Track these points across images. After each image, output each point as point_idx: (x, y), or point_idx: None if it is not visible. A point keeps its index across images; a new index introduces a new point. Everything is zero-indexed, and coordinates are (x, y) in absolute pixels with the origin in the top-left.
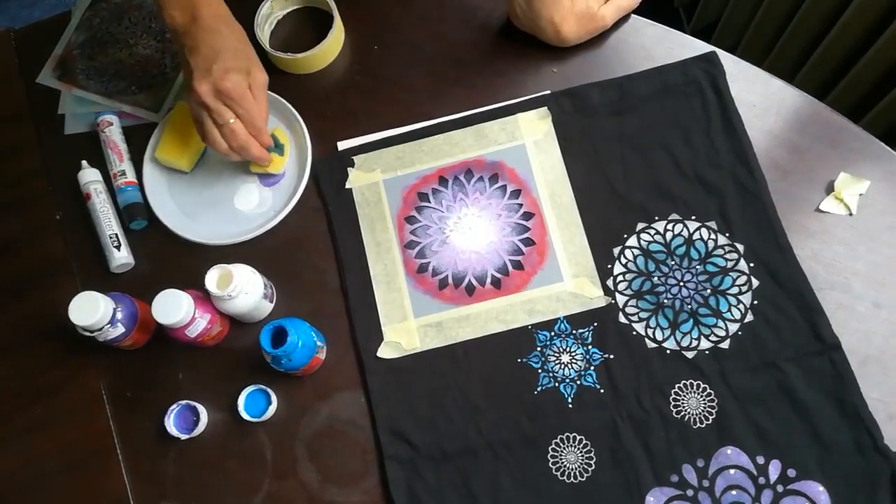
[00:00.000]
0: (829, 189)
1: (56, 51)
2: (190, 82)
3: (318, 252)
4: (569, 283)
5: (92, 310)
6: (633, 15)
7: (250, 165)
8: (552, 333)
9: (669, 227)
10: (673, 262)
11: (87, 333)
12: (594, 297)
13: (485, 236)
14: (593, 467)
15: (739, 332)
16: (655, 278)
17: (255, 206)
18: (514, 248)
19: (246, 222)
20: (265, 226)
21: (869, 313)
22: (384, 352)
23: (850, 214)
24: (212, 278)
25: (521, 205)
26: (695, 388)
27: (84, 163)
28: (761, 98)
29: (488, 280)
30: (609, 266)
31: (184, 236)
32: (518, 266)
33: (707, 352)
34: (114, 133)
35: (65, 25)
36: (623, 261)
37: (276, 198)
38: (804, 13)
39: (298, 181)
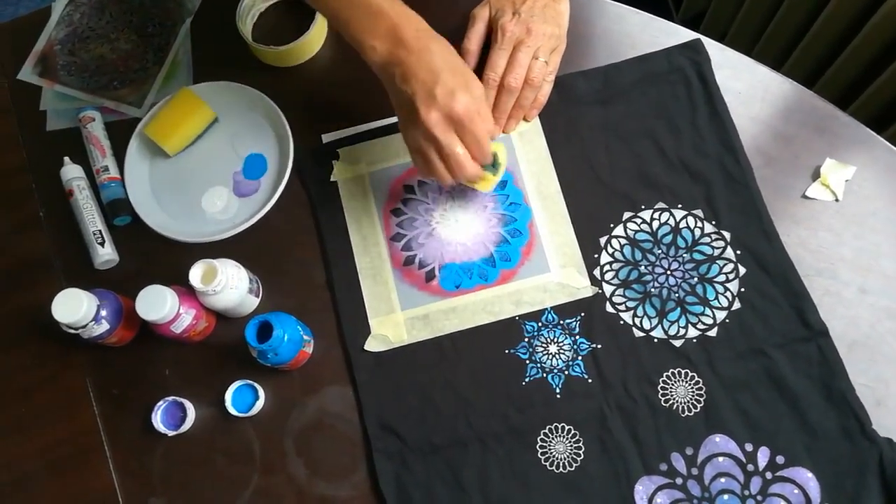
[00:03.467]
0: (816, 175)
1: (37, 47)
2: (414, 114)
3: (303, 246)
4: (556, 273)
5: (75, 307)
6: (618, 3)
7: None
8: (540, 324)
9: (656, 215)
10: (660, 251)
11: (72, 331)
12: (581, 287)
13: (471, 228)
14: (582, 457)
15: (727, 320)
16: (642, 267)
17: (219, 210)
18: (500, 240)
19: (222, 221)
20: (248, 221)
21: (855, 299)
22: (371, 345)
23: (837, 200)
24: (196, 273)
25: (507, 195)
26: (683, 376)
27: (66, 159)
28: (747, 85)
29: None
30: (596, 256)
31: (165, 234)
32: (505, 257)
33: (694, 340)
34: (96, 129)
35: (45, 21)
36: (610, 250)
37: (241, 205)
38: (791, 1)
39: (281, 176)
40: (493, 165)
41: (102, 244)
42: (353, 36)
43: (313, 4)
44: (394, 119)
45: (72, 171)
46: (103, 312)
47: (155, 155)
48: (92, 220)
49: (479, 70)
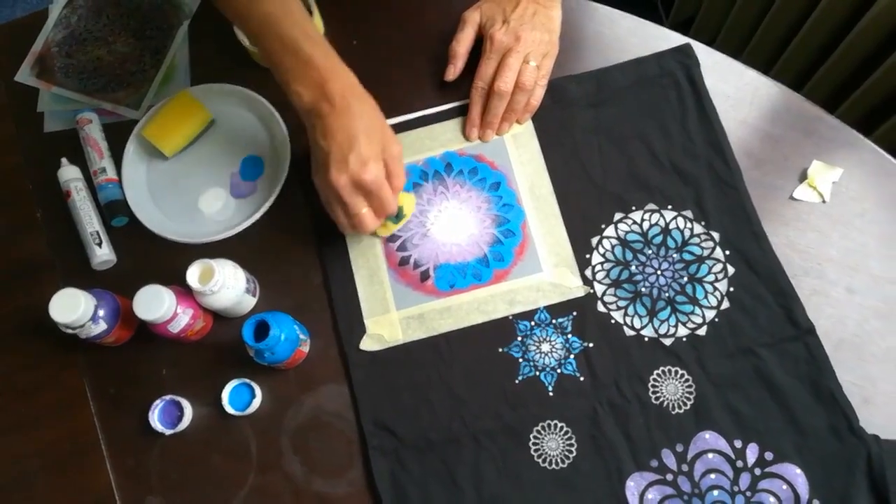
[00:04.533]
0: (803, 177)
1: (34, 48)
2: (325, 171)
3: (300, 246)
4: (548, 273)
5: (73, 307)
6: (609, 7)
7: None
8: (532, 323)
9: (646, 216)
10: (650, 251)
11: (70, 331)
12: (573, 286)
13: (465, 228)
14: (574, 454)
15: (716, 319)
16: (633, 267)
17: (216, 211)
18: (494, 240)
19: (219, 222)
20: (245, 222)
21: (842, 298)
22: (367, 344)
23: (824, 202)
24: (193, 273)
25: (500, 197)
26: (673, 374)
27: (64, 160)
28: (735, 89)
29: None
30: (587, 256)
31: (162, 235)
32: (498, 257)
33: (684, 339)
34: (93, 130)
35: (43, 23)
36: (601, 250)
37: (238, 206)
38: (780, 6)
39: (278, 177)
40: (398, 217)
41: (100, 245)
42: (282, 78)
43: (250, 39)
44: (390, 121)
45: (69, 173)
46: (101, 312)
47: (152, 157)
48: (89, 221)
49: (468, 74)
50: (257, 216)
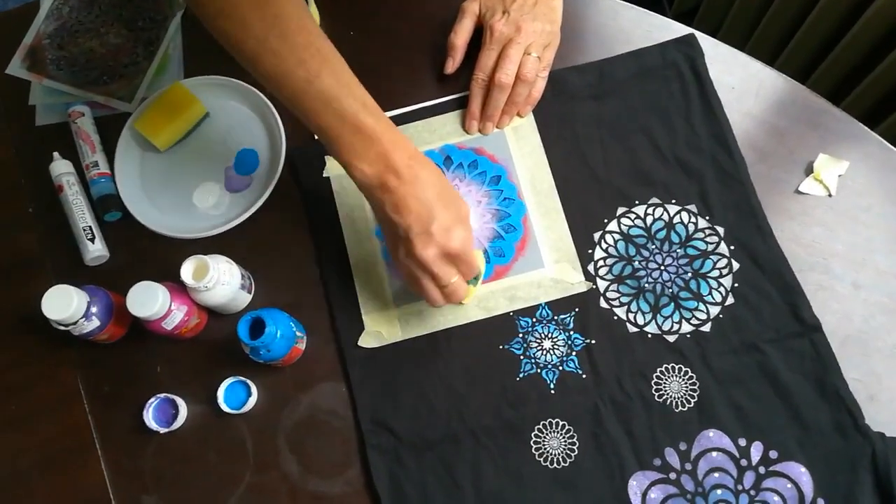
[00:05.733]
0: (809, 170)
1: (25, 40)
2: (410, 246)
3: (296, 242)
4: (550, 269)
5: (65, 303)
6: None
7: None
8: (534, 320)
9: (650, 210)
10: (653, 246)
11: (62, 328)
12: (575, 282)
13: None
14: (576, 452)
15: (720, 315)
16: (636, 263)
17: (210, 206)
18: (494, 235)
19: (213, 217)
20: (240, 217)
21: (848, 294)
22: (365, 341)
23: (830, 195)
24: (187, 269)
25: (501, 191)
26: (676, 371)
27: (56, 154)
28: (740, 80)
29: None
30: (590, 251)
31: (156, 230)
32: (499, 253)
33: (688, 335)
34: (85, 124)
35: (34, 15)
36: (604, 245)
37: (232, 200)
38: None
39: (274, 171)
40: (476, 278)
41: (92, 240)
42: (341, 156)
43: (302, 117)
44: (388, 114)
45: (61, 167)
46: (94, 309)
47: (146, 150)
48: (82, 216)
49: (467, 65)
50: (252, 210)
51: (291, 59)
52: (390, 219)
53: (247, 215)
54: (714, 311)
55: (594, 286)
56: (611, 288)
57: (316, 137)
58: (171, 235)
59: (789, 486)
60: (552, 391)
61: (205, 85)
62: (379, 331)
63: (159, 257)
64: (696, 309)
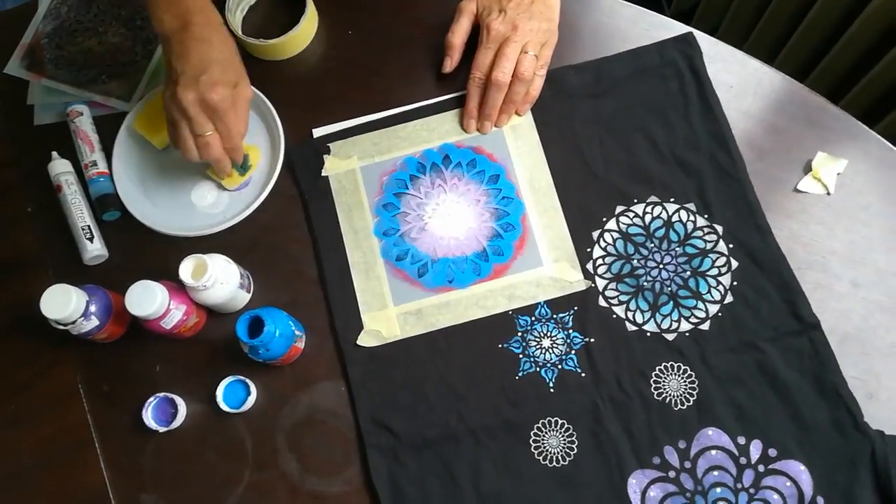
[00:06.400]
0: (807, 169)
1: (24, 40)
2: (173, 87)
3: (295, 241)
4: (549, 267)
5: (64, 303)
6: None
7: (208, 169)
8: (533, 318)
9: (648, 209)
10: (652, 245)
11: (61, 327)
12: (574, 281)
13: (464, 222)
14: (575, 451)
15: (719, 314)
16: (635, 261)
17: (209, 205)
18: (493, 234)
19: (212, 215)
20: (238, 216)
21: (847, 292)
22: (364, 340)
23: (828, 194)
24: (186, 268)
25: (499, 189)
26: (675, 369)
27: (54, 154)
28: (738, 79)
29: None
30: (588, 250)
31: (154, 228)
32: (497, 251)
33: (687, 333)
34: (84, 123)
35: (32, 14)
36: (602, 244)
37: (231, 199)
38: None
39: (272, 170)
40: (243, 166)
41: (91, 239)
42: (150, 5)
43: None
44: (386, 113)
45: (60, 166)
46: (92, 308)
47: (144, 148)
48: (81, 215)
49: (465, 64)
50: (251, 210)
51: None
52: (171, 64)
53: (245, 214)
54: (713, 309)
55: (593, 285)
56: (610, 286)
57: (315, 135)
58: (170, 234)
59: (788, 484)
60: (551, 390)
61: None
62: (378, 330)
63: (158, 257)
64: (695, 307)
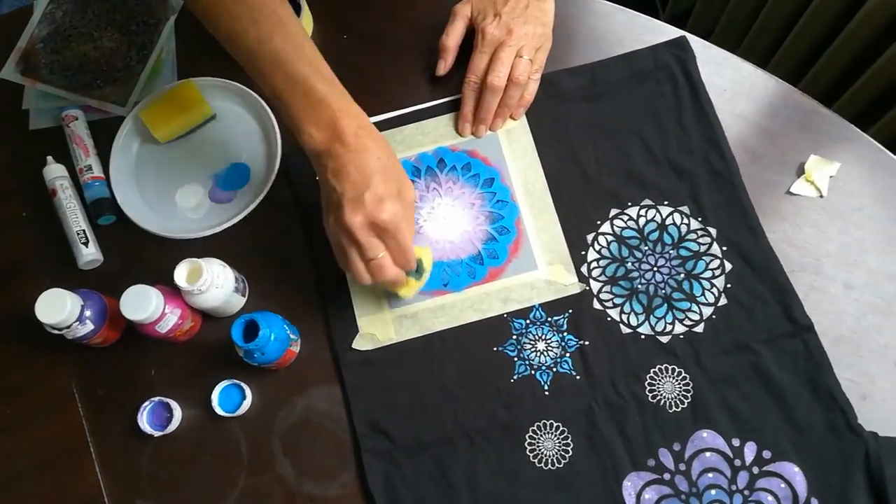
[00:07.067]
0: (800, 172)
1: (19, 44)
2: (338, 212)
3: (290, 244)
4: (543, 270)
5: (58, 307)
6: (603, 0)
7: (381, 284)
8: (527, 321)
9: (642, 212)
10: (646, 248)
11: (56, 331)
12: (569, 284)
13: (459, 226)
14: (571, 454)
15: (713, 316)
16: (629, 264)
17: (191, 208)
18: (488, 237)
19: (188, 220)
20: (233, 220)
21: (840, 294)
22: (359, 344)
23: (821, 196)
24: (181, 273)
25: (494, 193)
26: (670, 372)
27: (49, 158)
28: (732, 82)
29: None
30: (583, 253)
31: (150, 230)
32: (492, 255)
33: (681, 336)
34: (79, 128)
35: (28, 19)
36: (597, 247)
37: (213, 208)
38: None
39: (268, 174)
40: (418, 271)
41: (86, 244)
42: (292, 119)
43: (256, 78)
44: (380, 117)
45: (55, 171)
46: (87, 313)
47: (142, 151)
48: (75, 219)
49: (459, 68)
50: (245, 214)
51: (245, 19)
52: (328, 183)
53: (240, 218)
54: (707, 311)
55: (587, 288)
56: (604, 289)
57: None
58: (165, 235)
59: (783, 485)
60: (546, 392)
61: (209, 86)
62: (373, 333)
63: (153, 261)
64: (689, 310)
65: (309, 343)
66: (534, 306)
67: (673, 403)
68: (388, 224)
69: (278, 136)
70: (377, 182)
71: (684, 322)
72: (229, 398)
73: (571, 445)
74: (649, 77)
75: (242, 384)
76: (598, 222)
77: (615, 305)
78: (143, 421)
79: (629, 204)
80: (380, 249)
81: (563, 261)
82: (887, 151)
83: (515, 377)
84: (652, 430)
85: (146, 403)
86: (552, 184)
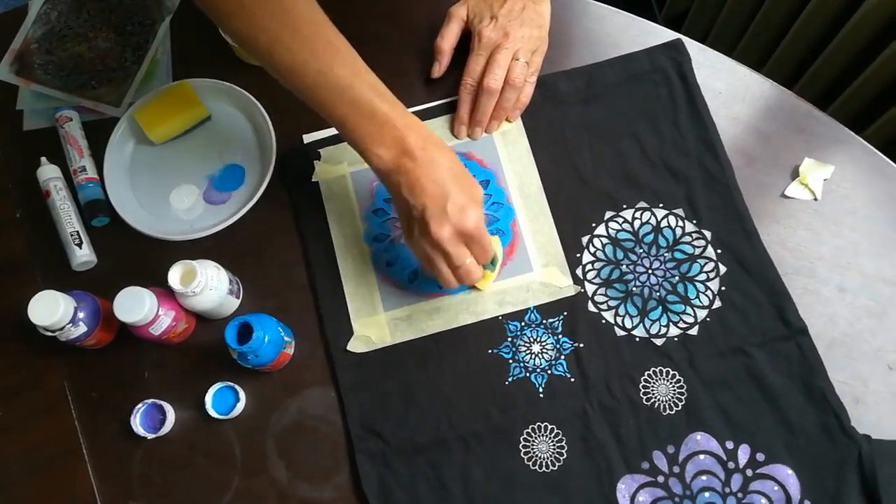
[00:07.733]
0: (795, 174)
1: (13, 45)
2: (424, 227)
3: (285, 246)
4: (538, 272)
5: (51, 309)
6: (599, 3)
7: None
8: (522, 323)
9: (637, 214)
10: (641, 250)
11: (49, 333)
12: (564, 286)
13: None
14: (565, 456)
15: (708, 319)
16: (624, 266)
17: (184, 209)
18: None
19: (182, 221)
20: (227, 221)
21: (834, 297)
22: (354, 346)
23: (816, 199)
24: (175, 274)
25: (489, 195)
26: (664, 374)
27: (43, 159)
28: (727, 85)
29: None
30: (578, 255)
31: (144, 231)
32: None
33: (676, 338)
34: (73, 129)
35: (22, 19)
36: (592, 249)
37: (207, 209)
38: (772, 2)
39: (263, 175)
40: (493, 262)
41: (80, 245)
42: (359, 142)
43: (318, 108)
44: None
45: (49, 172)
46: (81, 314)
47: (136, 152)
48: (69, 220)
49: (455, 70)
50: (239, 216)
51: (304, 51)
52: (406, 200)
53: (234, 219)
54: (701, 314)
55: (582, 290)
56: (599, 292)
57: (306, 141)
58: (159, 237)
59: (776, 488)
60: (541, 395)
61: (205, 88)
62: (368, 335)
63: (147, 262)
64: (684, 312)
65: (303, 345)
66: (529, 308)
67: (667, 406)
68: (474, 231)
69: (273, 137)
70: (455, 192)
71: (679, 325)
72: (223, 400)
73: (566, 448)
74: (645, 80)
75: (236, 386)
76: (594, 224)
77: (610, 308)
78: (137, 423)
79: (624, 206)
80: (466, 255)
81: (559, 263)
82: (881, 154)
83: (510, 379)
84: (646, 432)
85: (139, 405)
86: (548, 186)
